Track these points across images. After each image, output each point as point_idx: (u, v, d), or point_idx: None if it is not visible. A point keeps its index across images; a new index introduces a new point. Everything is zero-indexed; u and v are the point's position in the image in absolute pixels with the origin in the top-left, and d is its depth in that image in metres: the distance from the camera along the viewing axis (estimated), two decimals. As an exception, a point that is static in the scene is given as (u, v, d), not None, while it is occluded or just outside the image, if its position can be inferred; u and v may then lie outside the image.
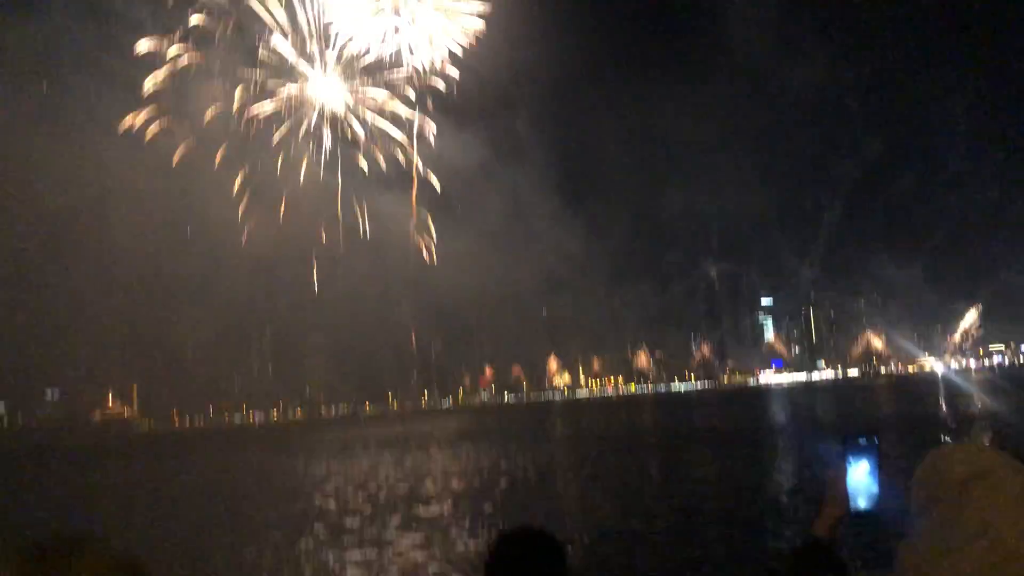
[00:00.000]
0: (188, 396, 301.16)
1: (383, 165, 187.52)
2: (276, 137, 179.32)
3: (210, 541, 30.82)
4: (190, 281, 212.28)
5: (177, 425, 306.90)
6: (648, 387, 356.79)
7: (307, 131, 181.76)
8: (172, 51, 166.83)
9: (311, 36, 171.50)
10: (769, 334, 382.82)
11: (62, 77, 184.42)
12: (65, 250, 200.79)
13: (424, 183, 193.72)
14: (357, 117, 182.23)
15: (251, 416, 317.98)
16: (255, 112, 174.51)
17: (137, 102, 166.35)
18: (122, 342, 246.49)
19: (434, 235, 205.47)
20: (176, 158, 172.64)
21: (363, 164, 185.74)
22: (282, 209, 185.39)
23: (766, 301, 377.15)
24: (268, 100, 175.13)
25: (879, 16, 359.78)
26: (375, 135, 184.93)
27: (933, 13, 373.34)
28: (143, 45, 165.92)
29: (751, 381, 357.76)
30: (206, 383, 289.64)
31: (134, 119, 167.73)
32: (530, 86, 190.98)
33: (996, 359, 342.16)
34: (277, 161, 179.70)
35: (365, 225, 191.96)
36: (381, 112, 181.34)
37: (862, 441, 2.86)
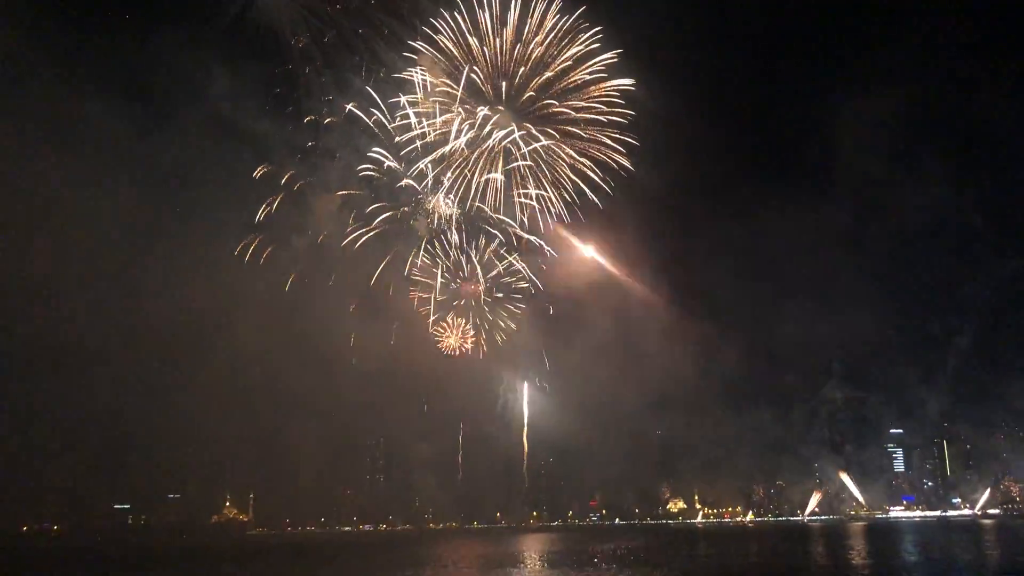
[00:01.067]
0: (300, 505, 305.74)
1: (494, 290, 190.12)
2: (387, 259, 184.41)
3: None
4: (305, 395, 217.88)
5: (290, 531, 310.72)
6: (767, 517, 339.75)
7: (419, 252, 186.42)
8: (286, 178, 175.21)
9: (425, 156, 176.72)
10: (899, 466, 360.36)
11: (191, 192, 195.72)
12: (190, 363, 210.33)
13: (537, 304, 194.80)
14: (470, 241, 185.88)
15: (360, 526, 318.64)
16: (365, 235, 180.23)
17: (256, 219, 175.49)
18: (241, 452, 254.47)
19: (547, 362, 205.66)
20: (288, 283, 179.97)
21: (479, 285, 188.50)
22: (393, 332, 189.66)
23: (895, 431, 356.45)
24: (381, 221, 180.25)
25: (1003, 130, 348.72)
26: (489, 258, 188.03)
27: None
28: (260, 172, 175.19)
29: (879, 515, 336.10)
30: (318, 493, 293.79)
31: (248, 245, 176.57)
32: (642, 203, 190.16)
33: None
34: (390, 281, 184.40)
35: (483, 346, 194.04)
36: (488, 220, 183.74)
37: None
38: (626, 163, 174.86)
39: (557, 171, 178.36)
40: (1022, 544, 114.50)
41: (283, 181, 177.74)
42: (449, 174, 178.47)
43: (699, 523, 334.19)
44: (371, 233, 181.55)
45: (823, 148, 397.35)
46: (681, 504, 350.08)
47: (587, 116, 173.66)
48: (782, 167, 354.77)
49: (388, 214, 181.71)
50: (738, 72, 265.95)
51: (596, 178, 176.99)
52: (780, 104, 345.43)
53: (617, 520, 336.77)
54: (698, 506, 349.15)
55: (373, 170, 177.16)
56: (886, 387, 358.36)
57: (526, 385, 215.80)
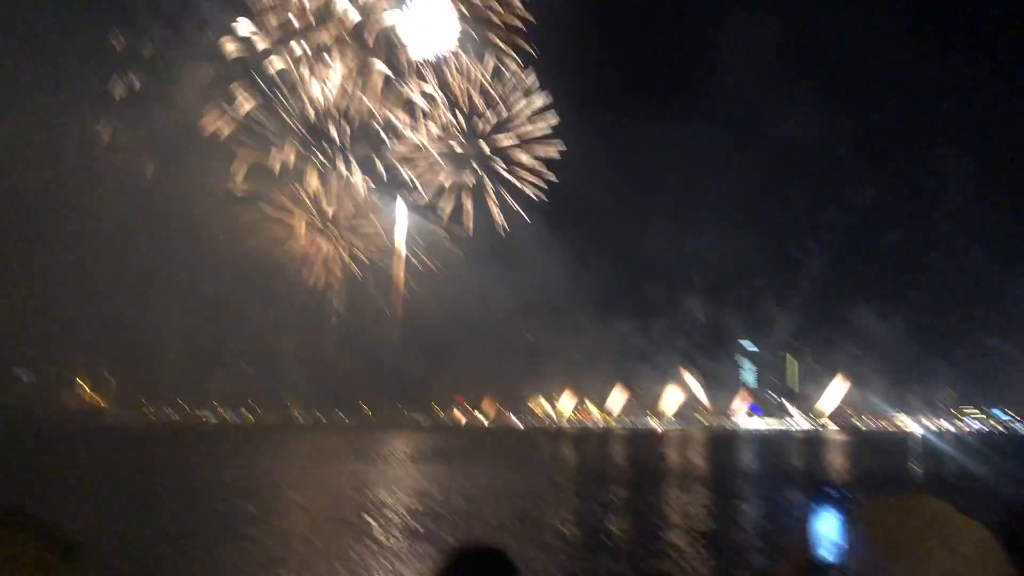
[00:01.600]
0: (162, 390, 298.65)
1: (371, 187, 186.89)
2: (255, 148, 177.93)
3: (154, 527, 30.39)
4: (167, 280, 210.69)
5: (151, 417, 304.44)
6: (626, 421, 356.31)
7: (300, 134, 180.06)
8: (148, 51, 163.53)
9: (302, 38, 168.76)
10: (748, 378, 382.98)
11: (42, 57, 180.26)
12: (43, 234, 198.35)
13: (414, 202, 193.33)
14: (349, 135, 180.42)
15: (224, 415, 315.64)
16: (234, 119, 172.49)
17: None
18: (99, 332, 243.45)
19: (423, 258, 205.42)
20: (149, 173, 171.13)
21: (355, 180, 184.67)
22: (265, 226, 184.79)
23: (747, 345, 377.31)
24: (252, 106, 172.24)
25: (876, 68, 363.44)
26: (367, 154, 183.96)
27: (933, 68, 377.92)
28: (118, 42, 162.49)
29: (726, 424, 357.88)
30: (181, 379, 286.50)
31: (107, 121, 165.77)
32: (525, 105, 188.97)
33: (972, 424, 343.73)
34: (269, 164, 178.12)
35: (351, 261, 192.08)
36: (369, 114, 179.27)
37: (831, 492, 2.76)
38: (517, 70, 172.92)
39: (445, 72, 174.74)
40: (851, 457, 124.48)
41: (145, 53, 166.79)
42: (329, 59, 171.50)
43: (563, 424, 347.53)
44: (240, 116, 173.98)
45: (703, 68, 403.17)
46: (545, 406, 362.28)
47: (481, 15, 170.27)
48: (663, 84, 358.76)
49: (259, 102, 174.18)
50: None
51: (485, 82, 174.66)
52: (665, 22, 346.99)
53: (484, 419, 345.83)
54: (561, 408, 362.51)
55: (244, 49, 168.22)
56: (742, 303, 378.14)
57: (401, 282, 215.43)
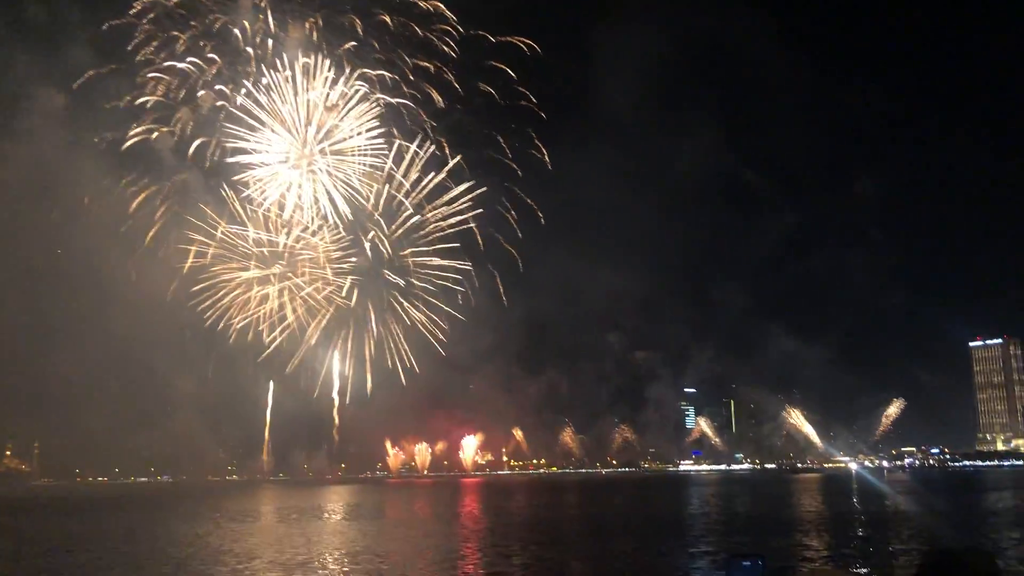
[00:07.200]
0: (90, 454, 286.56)
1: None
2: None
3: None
4: (79, 328, 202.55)
5: (78, 483, 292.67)
6: (568, 469, 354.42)
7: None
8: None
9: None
10: (691, 423, 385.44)
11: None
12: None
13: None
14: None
15: (158, 477, 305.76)
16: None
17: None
18: (23, 397, 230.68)
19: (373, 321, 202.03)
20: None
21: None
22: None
23: (689, 390, 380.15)
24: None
25: (783, 91, 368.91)
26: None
27: (840, 88, 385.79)
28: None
29: (671, 469, 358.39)
30: (109, 441, 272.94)
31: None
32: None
33: (908, 460, 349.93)
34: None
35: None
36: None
37: (746, 564, 2.71)
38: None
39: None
40: (791, 497, 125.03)
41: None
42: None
43: (502, 472, 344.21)
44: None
45: (587, 85, 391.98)
46: (489, 456, 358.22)
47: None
48: (557, 128, 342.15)
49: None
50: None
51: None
52: (561, 50, 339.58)
53: (426, 472, 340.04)
54: (505, 458, 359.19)
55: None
56: (670, 346, 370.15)
57: (340, 342, 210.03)
